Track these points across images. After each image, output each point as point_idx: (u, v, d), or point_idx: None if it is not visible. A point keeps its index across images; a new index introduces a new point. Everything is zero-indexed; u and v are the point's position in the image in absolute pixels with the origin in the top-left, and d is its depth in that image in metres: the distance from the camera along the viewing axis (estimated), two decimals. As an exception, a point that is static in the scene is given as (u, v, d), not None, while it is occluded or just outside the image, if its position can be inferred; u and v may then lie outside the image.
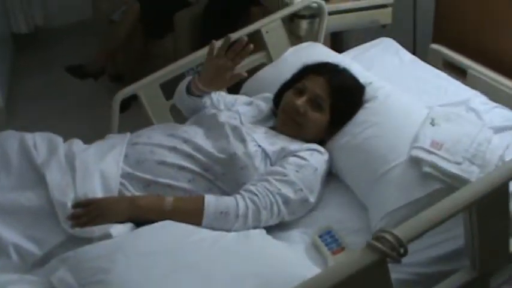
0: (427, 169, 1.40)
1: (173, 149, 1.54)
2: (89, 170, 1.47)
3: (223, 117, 1.69)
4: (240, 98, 1.91)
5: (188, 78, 1.77)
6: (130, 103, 2.94)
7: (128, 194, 1.47)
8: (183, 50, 3.30)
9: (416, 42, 2.86)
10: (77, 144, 1.61)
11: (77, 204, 1.39)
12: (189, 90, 1.74)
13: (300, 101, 1.63)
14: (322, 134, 1.67)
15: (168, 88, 2.08)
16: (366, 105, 1.69)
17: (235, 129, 1.61)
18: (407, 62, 2.11)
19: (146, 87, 2.09)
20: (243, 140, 1.57)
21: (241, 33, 2.16)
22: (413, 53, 2.44)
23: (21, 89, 3.59)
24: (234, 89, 2.06)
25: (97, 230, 1.35)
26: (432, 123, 1.53)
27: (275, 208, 1.45)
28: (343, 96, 1.66)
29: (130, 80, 3.28)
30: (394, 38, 2.25)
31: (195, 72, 2.03)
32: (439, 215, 1.09)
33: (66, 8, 4.14)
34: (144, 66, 3.36)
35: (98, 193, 1.44)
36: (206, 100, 1.77)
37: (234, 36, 2.13)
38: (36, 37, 4.12)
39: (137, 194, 1.47)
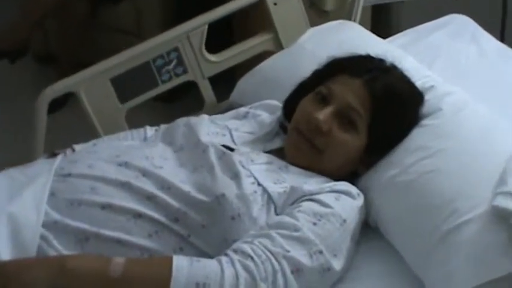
0: (521, 228, 1.40)
1: (126, 186, 1.54)
2: (-10, 215, 1.48)
3: (204, 133, 1.70)
4: (228, 113, 1.95)
5: None
6: (67, 99, 2.94)
7: (52, 253, 1.44)
8: (148, 23, 3.31)
9: (507, 21, 2.88)
10: (-24, 171, 1.62)
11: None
12: None
13: (323, 114, 1.64)
14: (355, 166, 1.70)
15: (124, 84, 2.10)
16: (425, 122, 1.71)
17: (223, 156, 1.61)
18: (491, 52, 2.14)
19: (90, 82, 2.08)
20: (235, 175, 1.57)
21: (237, 4, 2.18)
22: (501, 38, 2.46)
23: None
24: (224, 89, 2.05)
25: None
26: (530, 156, 1.53)
27: (280, 279, 1.43)
28: (390, 109, 1.67)
29: (68, 63, 3.31)
30: (471, 16, 2.27)
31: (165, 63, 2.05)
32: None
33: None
34: (90, 45, 3.38)
35: (4, 252, 1.41)
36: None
37: (225, 9, 2.14)
38: None
39: (67, 253, 1.45)
